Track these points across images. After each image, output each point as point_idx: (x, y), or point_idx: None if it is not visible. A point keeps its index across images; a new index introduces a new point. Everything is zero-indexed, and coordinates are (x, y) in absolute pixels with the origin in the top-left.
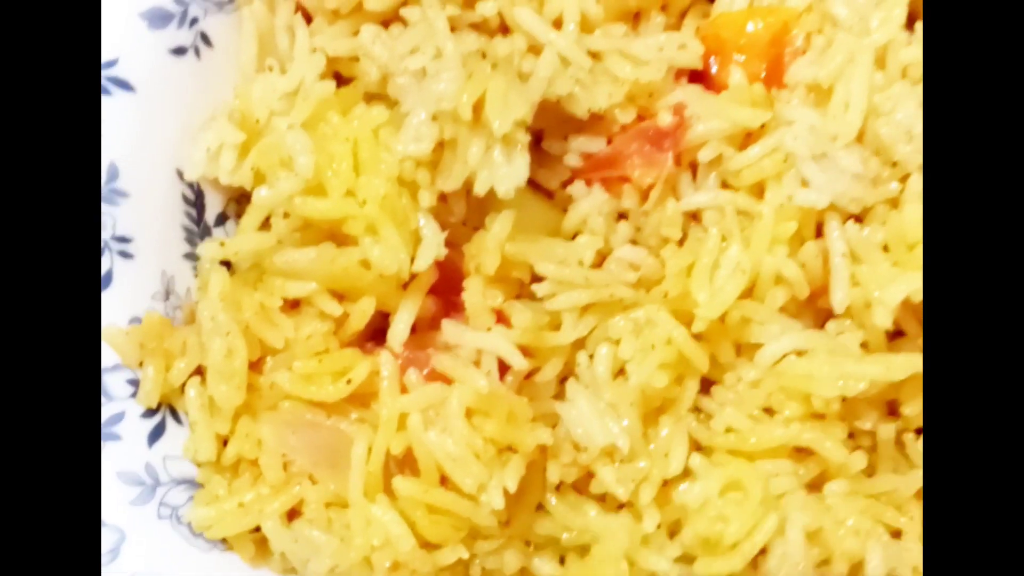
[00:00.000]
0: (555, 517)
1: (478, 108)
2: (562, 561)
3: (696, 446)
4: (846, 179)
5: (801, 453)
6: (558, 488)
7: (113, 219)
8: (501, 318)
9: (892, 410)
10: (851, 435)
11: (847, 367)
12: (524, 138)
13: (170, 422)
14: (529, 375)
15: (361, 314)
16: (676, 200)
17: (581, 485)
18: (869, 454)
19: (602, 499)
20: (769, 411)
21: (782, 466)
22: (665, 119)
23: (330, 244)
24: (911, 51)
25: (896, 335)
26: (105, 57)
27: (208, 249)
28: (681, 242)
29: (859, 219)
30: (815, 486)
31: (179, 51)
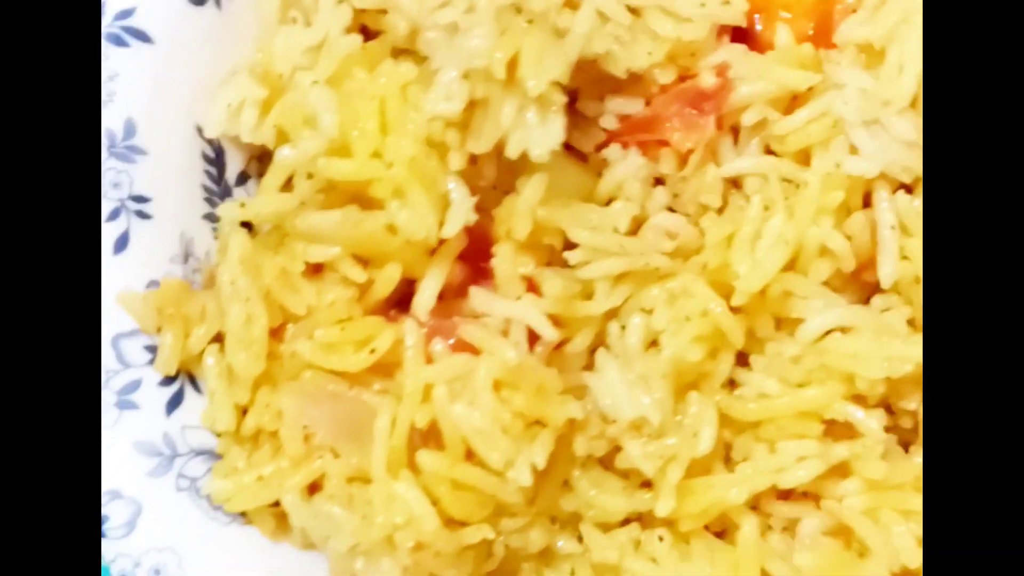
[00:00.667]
0: (578, 494)
1: (512, 66)
2: (580, 540)
3: (727, 422)
4: (898, 147)
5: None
6: (583, 463)
7: (130, 177)
8: (531, 286)
9: None
10: (891, 412)
11: (893, 348)
12: (560, 99)
13: (189, 390)
14: (558, 346)
15: (386, 281)
16: (716, 166)
17: (607, 460)
18: (910, 434)
19: (626, 476)
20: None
21: (807, 447)
22: (707, 80)
23: (355, 207)
24: None
25: None
26: (122, 6)
27: (228, 210)
28: (721, 210)
29: (909, 189)
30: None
31: (199, 1)
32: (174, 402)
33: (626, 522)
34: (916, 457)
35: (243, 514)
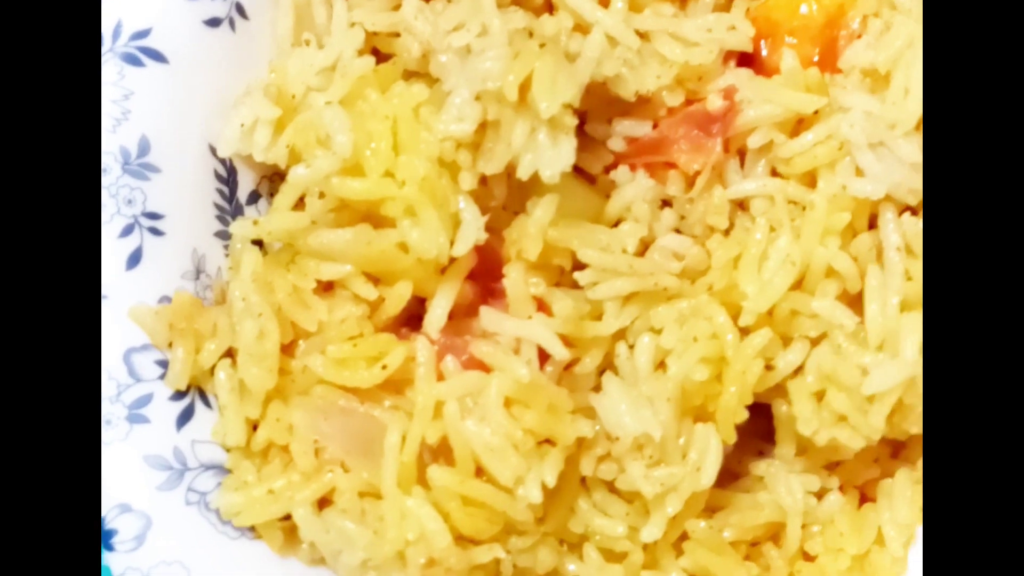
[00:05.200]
0: (580, 516)
1: (523, 89)
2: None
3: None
4: (904, 169)
5: None
6: (589, 484)
7: (144, 194)
8: (541, 306)
9: None
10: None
11: None
12: (571, 121)
13: (199, 405)
14: (568, 367)
15: (397, 298)
16: (723, 188)
17: (614, 484)
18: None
19: (631, 501)
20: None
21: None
22: (715, 103)
23: (366, 225)
24: None
25: None
26: (138, 27)
27: (241, 228)
28: (727, 232)
29: (914, 212)
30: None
31: (213, 22)
32: (184, 416)
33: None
34: None
35: (252, 529)
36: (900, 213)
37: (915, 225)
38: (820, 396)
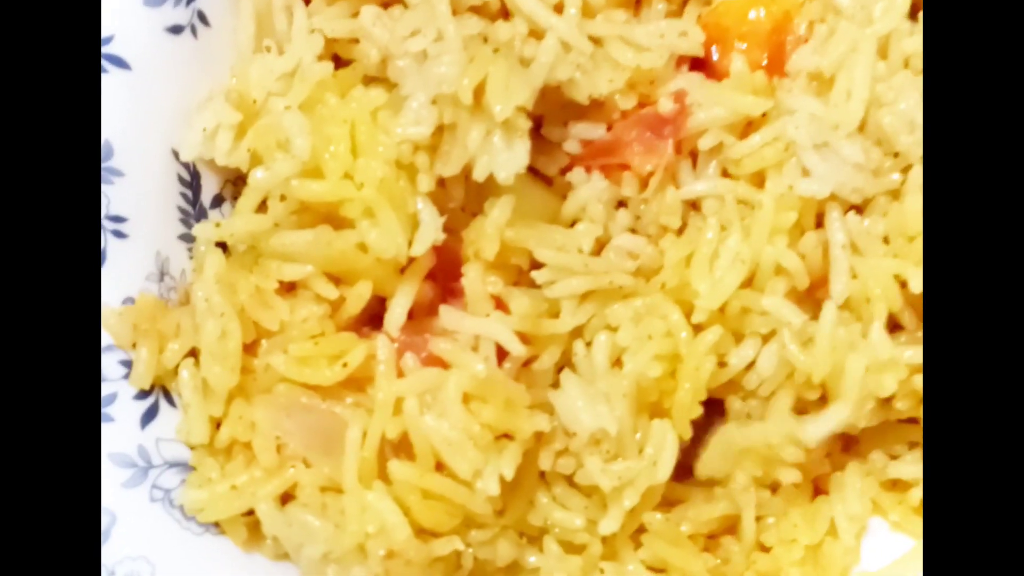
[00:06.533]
0: (539, 510)
1: (479, 92)
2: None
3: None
4: (847, 169)
5: None
6: (549, 479)
7: (107, 198)
8: (499, 304)
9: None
10: None
11: None
12: (525, 124)
13: (163, 404)
14: (526, 363)
15: (358, 298)
16: (676, 188)
17: (573, 478)
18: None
19: (590, 495)
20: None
21: None
22: (666, 106)
23: (327, 227)
24: (914, 41)
25: (894, 328)
26: (100, 34)
27: (204, 230)
28: (680, 231)
29: (859, 210)
30: None
31: (176, 30)
32: (149, 415)
33: None
34: None
35: (216, 524)
36: (845, 212)
37: (860, 223)
38: None
